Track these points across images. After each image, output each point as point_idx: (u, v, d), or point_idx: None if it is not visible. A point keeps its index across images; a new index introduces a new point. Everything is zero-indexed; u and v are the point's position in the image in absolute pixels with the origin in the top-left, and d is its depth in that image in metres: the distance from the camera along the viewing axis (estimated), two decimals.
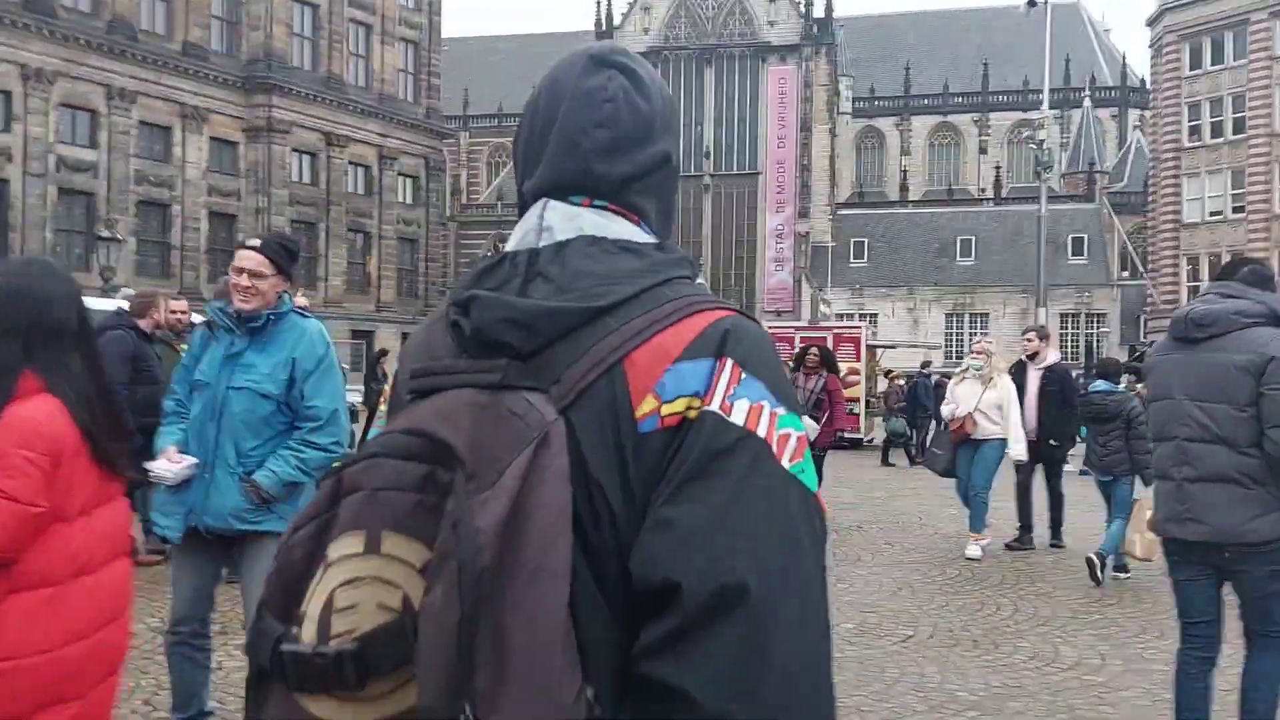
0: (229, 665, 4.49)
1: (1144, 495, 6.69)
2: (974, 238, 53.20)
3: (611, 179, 1.06)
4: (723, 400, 0.94)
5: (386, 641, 0.87)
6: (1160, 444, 3.69)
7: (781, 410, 0.95)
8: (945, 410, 8.61)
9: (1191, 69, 43.53)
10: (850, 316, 45.64)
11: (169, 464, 3.42)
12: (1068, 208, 52.25)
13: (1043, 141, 29.91)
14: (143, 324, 6.45)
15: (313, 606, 0.91)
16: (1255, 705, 3.44)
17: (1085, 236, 51.48)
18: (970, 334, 51.69)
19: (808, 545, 0.92)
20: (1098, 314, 50.95)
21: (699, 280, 1.07)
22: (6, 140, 31.03)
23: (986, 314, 51.20)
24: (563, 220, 1.04)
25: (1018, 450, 8.16)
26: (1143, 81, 56.92)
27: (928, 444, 9.91)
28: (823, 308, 45.10)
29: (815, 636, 0.91)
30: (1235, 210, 42.11)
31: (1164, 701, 3.99)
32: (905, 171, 62.37)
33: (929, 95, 63.82)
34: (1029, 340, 8.98)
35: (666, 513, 0.90)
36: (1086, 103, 57.02)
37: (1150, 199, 46.28)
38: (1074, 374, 8.87)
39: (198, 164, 36.90)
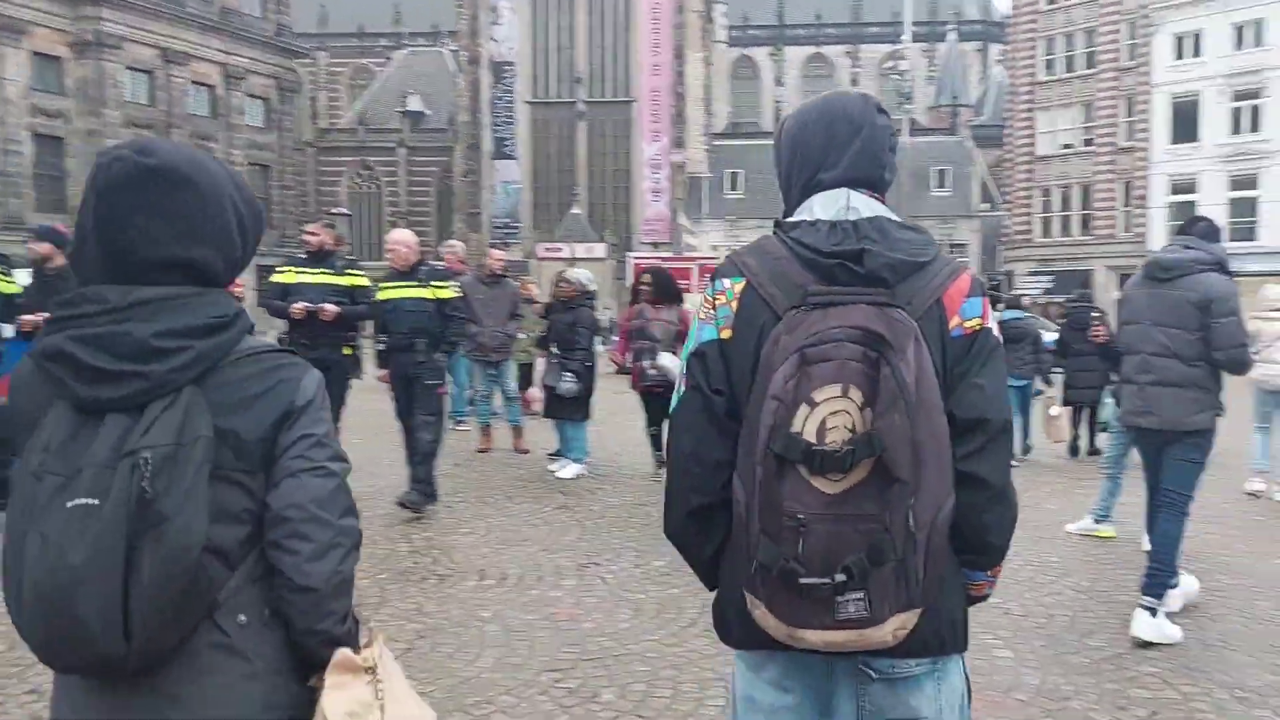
0: None
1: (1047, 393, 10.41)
2: None
3: (885, 182, 1.78)
4: (988, 321, 1.67)
5: (858, 446, 1.48)
6: (1129, 356, 4.87)
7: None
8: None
9: (1048, 3, 44.50)
10: (728, 248, 45.62)
11: None
12: (933, 140, 53.21)
13: (905, 73, 30.08)
14: None
15: (808, 425, 1.51)
16: (1160, 554, 4.73)
17: (949, 169, 52.57)
18: None
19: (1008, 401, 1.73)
20: (959, 244, 52.36)
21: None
22: None
23: None
24: (862, 204, 1.70)
25: None
26: (1005, 17, 58.07)
27: None
28: (688, 238, 44.93)
29: (1010, 447, 1.72)
30: (1085, 143, 43.59)
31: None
32: (779, 102, 62.41)
33: (802, 25, 63.74)
34: None
35: (977, 380, 1.63)
36: (951, 36, 57.87)
37: (1007, 132, 47.50)
38: None
39: (18, 81, 33.86)
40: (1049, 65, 44.78)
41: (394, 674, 1.54)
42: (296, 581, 1.44)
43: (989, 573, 1.71)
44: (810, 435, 1.50)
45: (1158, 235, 40.51)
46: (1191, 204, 39.50)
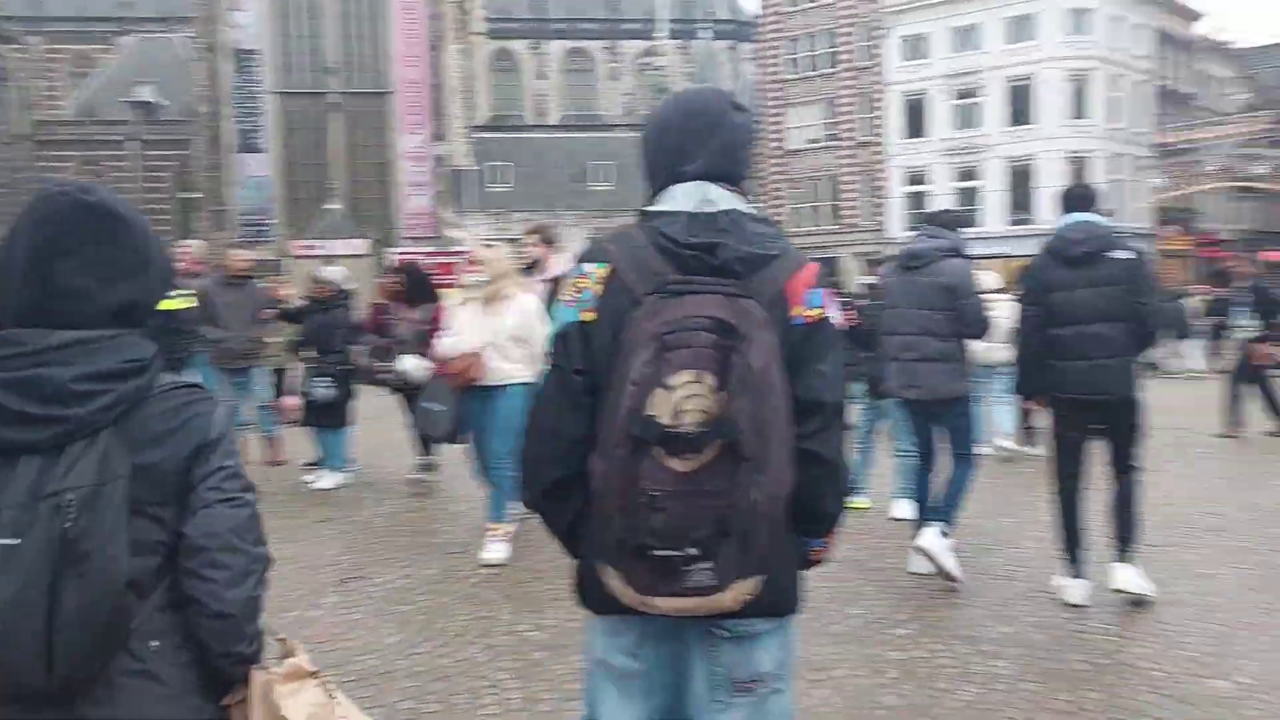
0: None
1: None
2: (612, 163, 54.44)
3: (741, 175, 1.89)
4: (829, 311, 1.80)
5: (710, 428, 1.60)
6: (892, 337, 5.36)
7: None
8: (443, 344, 6.09)
9: (791, 5, 46.95)
10: (499, 243, 44.94)
11: None
12: None
13: (662, 69, 30.77)
14: None
15: (664, 409, 1.61)
16: (953, 496, 5.35)
17: None
18: None
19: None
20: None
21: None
22: None
23: None
24: (719, 196, 1.82)
25: None
26: (754, 17, 60.71)
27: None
28: (453, 232, 44.09)
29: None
30: (830, 138, 46.33)
31: None
32: (541, 96, 62.37)
33: (561, 20, 63.93)
34: (530, 247, 6.82)
35: (818, 367, 1.76)
36: (705, 34, 59.91)
37: (758, 127, 49.75)
38: None
39: None
40: (794, 64, 47.27)
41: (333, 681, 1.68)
42: (213, 608, 1.51)
43: (825, 540, 1.91)
44: (666, 418, 1.61)
45: (896, 223, 43.70)
46: (924, 194, 42.95)
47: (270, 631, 1.64)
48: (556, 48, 63.44)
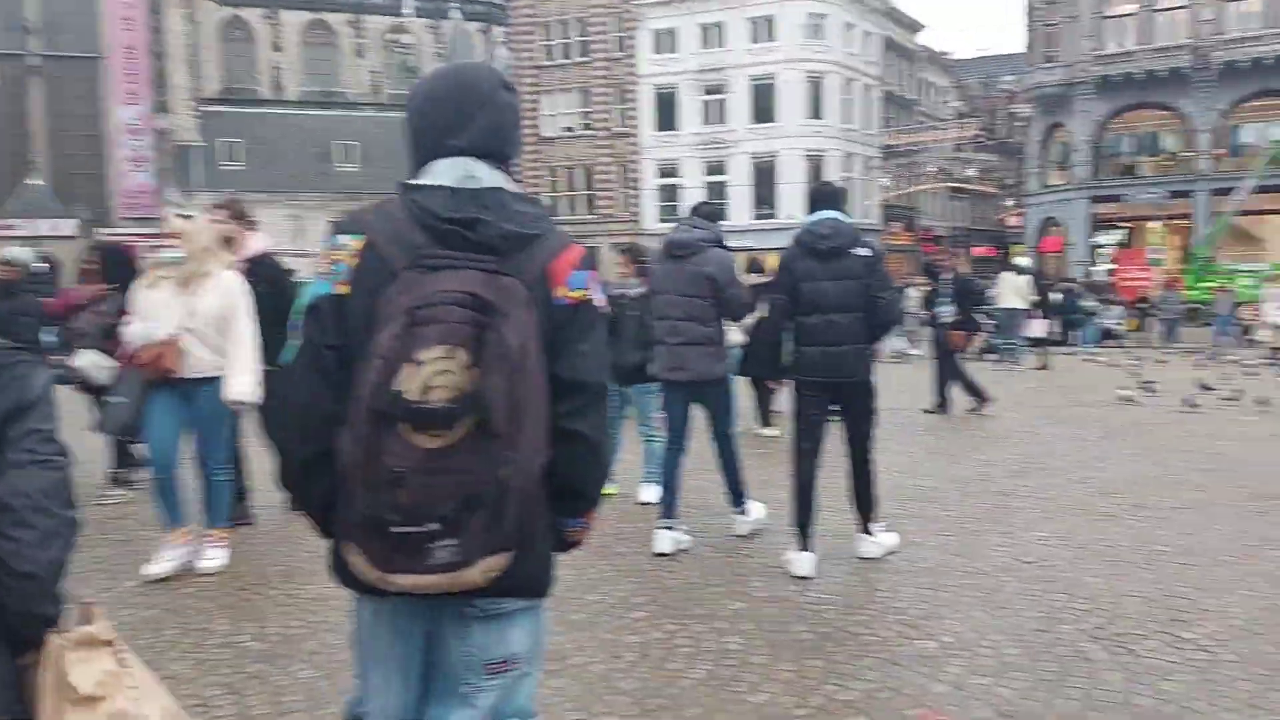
0: None
1: None
2: (358, 144, 52.24)
3: (508, 155, 1.86)
4: (593, 293, 1.81)
5: (460, 405, 1.58)
6: (661, 321, 5.60)
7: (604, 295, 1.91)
8: (131, 332, 5.12)
9: None
10: (198, 213, 41.93)
11: None
12: None
13: (410, 47, 29.83)
14: None
15: (413, 385, 1.58)
16: (727, 475, 5.83)
17: None
18: None
19: (608, 366, 1.92)
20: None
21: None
22: None
23: None
24: (484, 173, 1.80)
25: (239, 388, 5.01)
26: None
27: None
28: (171, 212, 40.83)
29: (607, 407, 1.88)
30: (585, 127, 46.78)
31: None
32: (279, 69, 58.85)
33: None
34: (220, 224, 5.74)
35: (580, 347, 1.77)
36: (455, 14, 58.68)
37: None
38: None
39: None
40: (549, 50, 47.31)
41: (128, 650, 1.69)
42: (18, 568, 1.51)
43: (583, 519, 1.90)
44: (414, 393, 1.58)
45: (650, 214, 44.75)
46: (676, 187, 44.26)
47: (73, 598, 1.64)
48: (295, 18, 59.84)
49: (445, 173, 1.79)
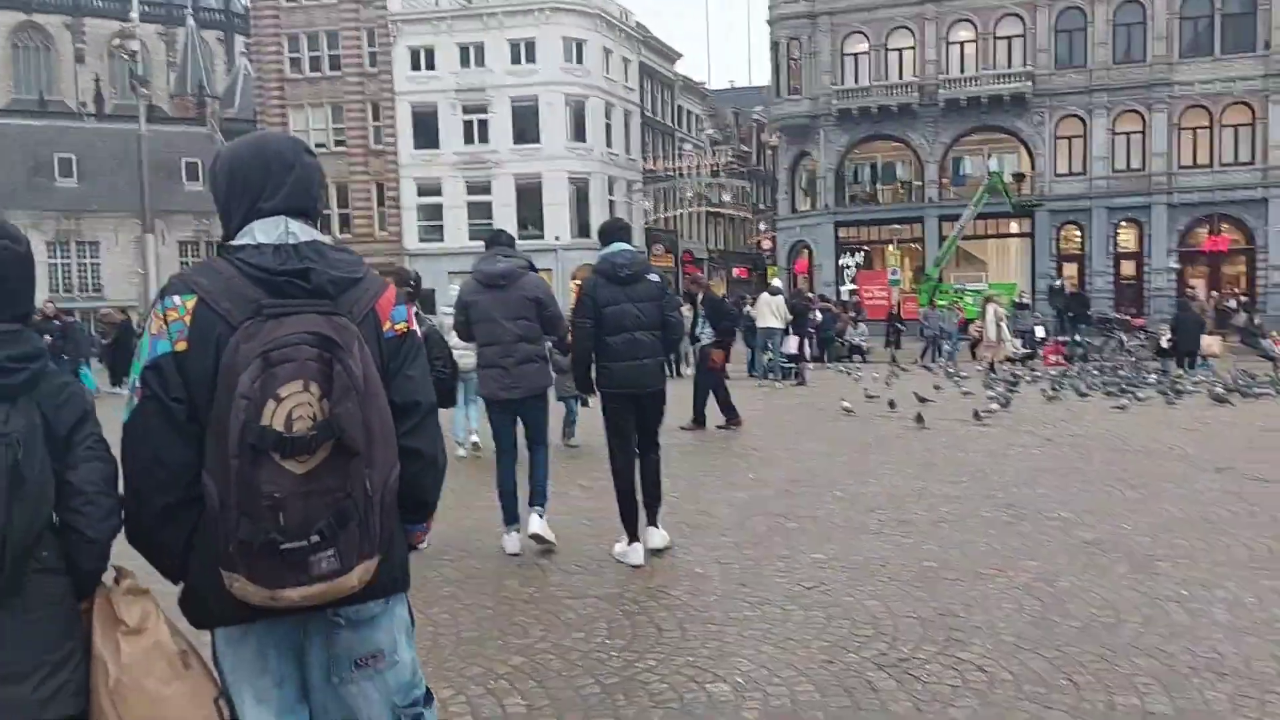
0: None
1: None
2: (76, 156, 47.58)
3: (317, 211, 2.08)
4: (413, 324, 2.06)
5: (320, 431, 1.79)
6: (487, 347, 5.99)
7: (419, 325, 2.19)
8: None
9: (288, 1, 44.67)
10: None
11: None
12: (179, 130, 50.05)
13: (136, 53, 27.46)
14: None
15: (276, 418, 1.77)
16: (537, 478, 6.12)
17: (200, 161, 49.92)
18: (80, 264, 46.52)
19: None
20: (219, 242, 50.14)
21: None
22: None
23: (98, 242, 46.54)
24: (299, 230, 1.99)
25: None
26: (246, 7, 56.94)
27: None
28: None
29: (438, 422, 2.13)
30: (338, 143, 44.92)
31: None
32: None
33: None
34: None
35: (408, 372, 2.02)
36: (190, 21, 54.96)
37: (260, 127, 46.77)
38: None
39: None
40: (295, 63, 45.11)
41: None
42: (87, 534, 1.94)
43: (425, 525, 2.16)
44: (279, 425, 1.77)
45: (411, 234, 43.53)
46: (439, 206, 43.28)
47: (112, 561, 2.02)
48: (3, 19, 54.02)
49: (266, 232, 1.97)
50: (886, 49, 39.04)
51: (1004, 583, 5.30)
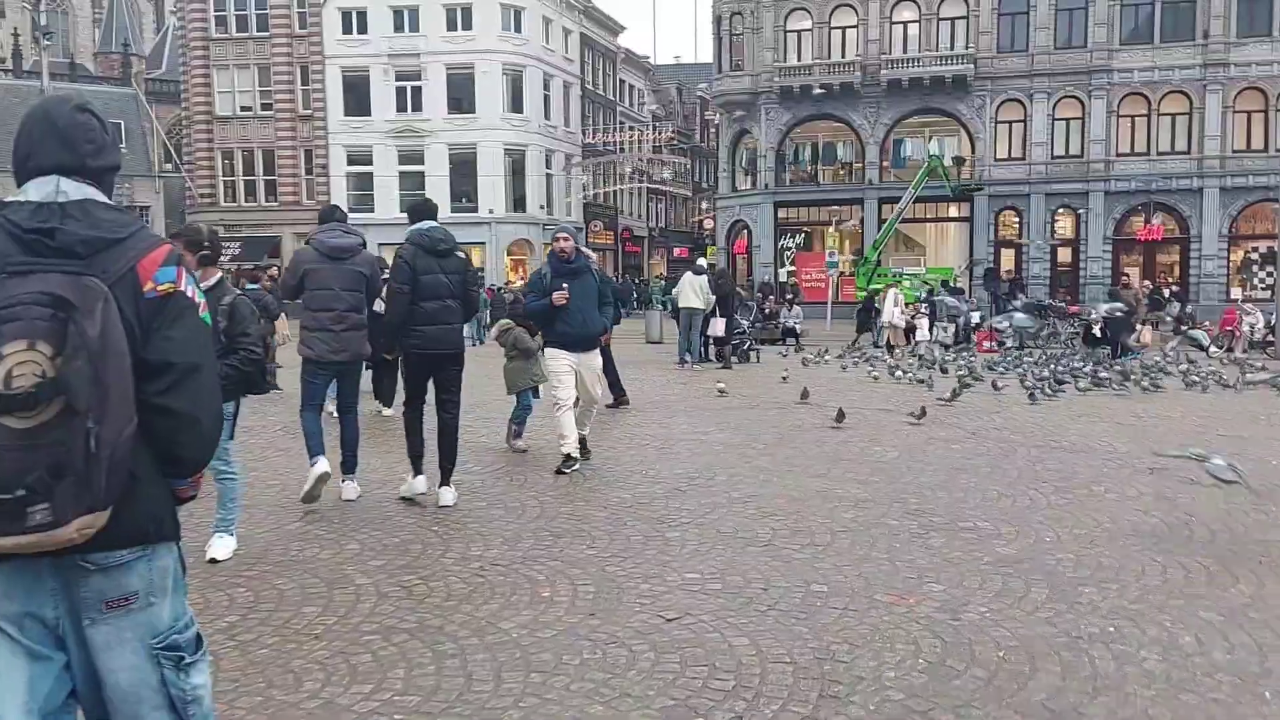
0: None
1: None
2: None
3: (95, 169, 2.06)
4: (182, 285, 2.03)
5: (42, 389, 1.80)
6: (323, 312, 6.54)
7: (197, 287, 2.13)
8: None
9: None
10: None
11: None
12: (101, 89, 47.59)
13: (39, 2, 25.70)
14: None
15: None
16: (349, 441, 6.76)
17: (123, 123, 47.63)
18: None
19: (209, 349, 2.13)
20: (141, 206, 47.98)
21: None
22: None
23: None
24: (72, 188, 2.00)
25: None
26: None
27: None
28: None
29: (212, 384, 2.07)
30: (264, 107, 43.05)
31: None
32: None
33: None
34: None
35: (167, 333, 1.98)
36: None
37: (184, 89, 44.67)
38: None
39: None
40: (221, 22, 43.08)
41: None
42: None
43: (190, 480, 2.14)
44: (0, 384, 1.79)
45: (340, 203, 41.78)
46: (369, 176, 41.71)
47: None
48: None
49: (35, 190, 2.00)
50: (830, 26, 38.23)
51: (902, 614, 4.47)
